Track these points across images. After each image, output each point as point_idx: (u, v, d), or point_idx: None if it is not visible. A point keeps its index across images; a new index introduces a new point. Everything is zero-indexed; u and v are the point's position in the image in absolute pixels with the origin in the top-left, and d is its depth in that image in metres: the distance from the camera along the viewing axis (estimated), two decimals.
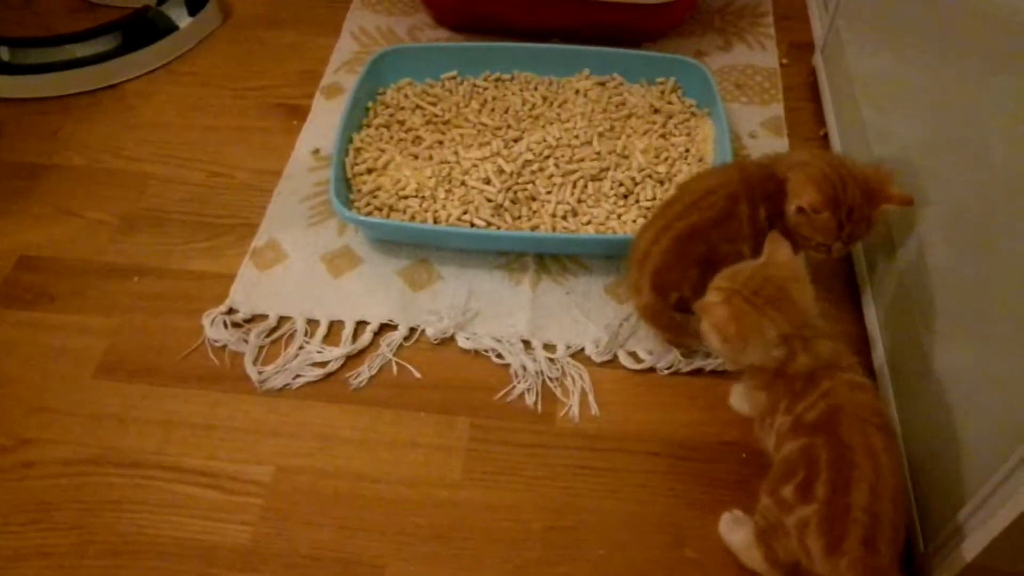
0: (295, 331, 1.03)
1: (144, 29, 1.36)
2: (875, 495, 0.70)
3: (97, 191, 1.20)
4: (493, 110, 1.25)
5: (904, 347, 0.92)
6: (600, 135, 1.20)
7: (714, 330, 0.77)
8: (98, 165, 1.23)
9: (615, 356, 1.01)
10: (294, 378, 1.00)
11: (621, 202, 1.13)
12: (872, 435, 0.73)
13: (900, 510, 0.72)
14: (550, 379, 1.00)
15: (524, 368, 1.00)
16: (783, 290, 0.75)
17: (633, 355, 1.01)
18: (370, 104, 1.25)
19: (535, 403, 0.98)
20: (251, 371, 1.00)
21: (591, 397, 0.98)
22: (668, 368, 1.00)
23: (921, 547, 0.81)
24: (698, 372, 1.00)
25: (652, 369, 1.00)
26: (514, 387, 0.99)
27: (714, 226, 0.92)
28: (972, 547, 0.72)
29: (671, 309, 0.96)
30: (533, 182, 1.15)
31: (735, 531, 0.85)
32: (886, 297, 0.99)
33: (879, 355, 0.98)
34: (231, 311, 1.05)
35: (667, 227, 0.93)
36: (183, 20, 1.39)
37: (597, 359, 1.01)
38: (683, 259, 0.93)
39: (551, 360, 1.01)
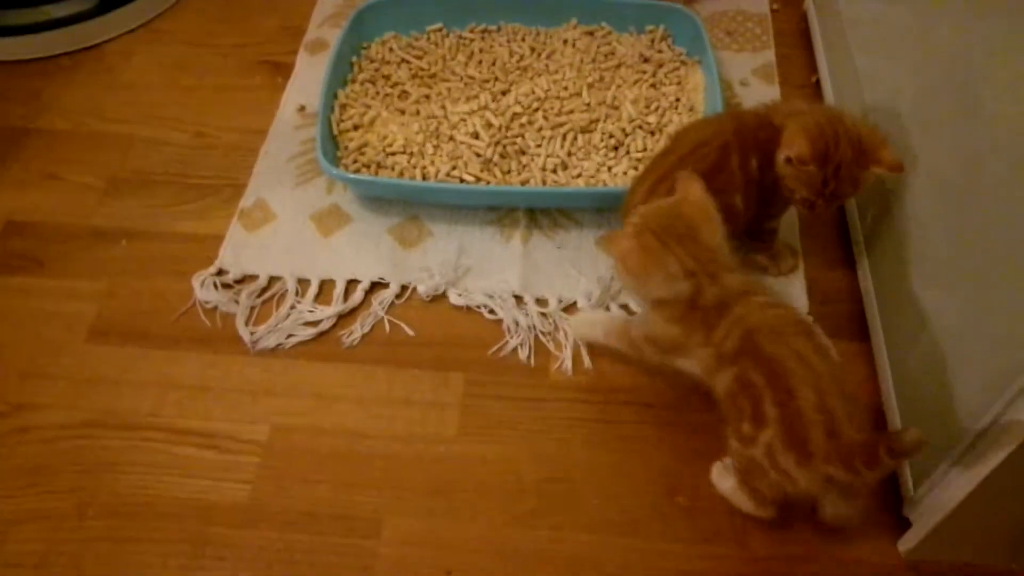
0: (286, 291, 1.03)
1: None
2: (820, 392, 0.72)
3: (81, 155, 1.18)
4: (480, 62, 1.23)
5: (895, 297, 0.92)
6: (589, 86, 1.19)
7: (619, 262, 0.80)
8: (82, 128, 1.22)
9: (607, 309, 1.01)
10: (287, 337, 1.00)
11: (611, 154, 1.12)
12: (795, 342, 0.75)
13: (849, 398, 0.74)
14: (543, 333, 1.00)
15: (516, 323, 1.00)
16: (691, 228, 0.77)
17: (625, 307, 1.01)
18: (354, 59, 1.23)
19: (528, 358, 0.98)
20: (243, 332, 0.99)
21: (584, 350, 0.98)
22: None
23: (911, 491, 0.82)
24: None
25: None
26: (507, 342, 0.99)
27: (707, 177, 0.91)
28: (960, 490, 0.73)
29: None
30: (522, 135, 1.13)
31: (725, 479, 0.86)
32: (877, 246, 0.99)
33: (871, 305, 0.98)
34: (221, 272, 1.05)
35: (663, 178, 0.92)
36: None
37: (590, 311, 1.01)
38: None
39: (543, 315, 1.01)
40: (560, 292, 1.03)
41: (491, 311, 1.02)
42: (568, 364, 0.97)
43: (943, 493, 0.76)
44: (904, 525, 0.83)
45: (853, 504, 0.79)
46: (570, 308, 1.02)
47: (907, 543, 0.83)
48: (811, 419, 0.71)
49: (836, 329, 0.99)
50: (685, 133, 0.97)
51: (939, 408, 0.79)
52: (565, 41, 1.25)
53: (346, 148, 1.13)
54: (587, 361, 0.98)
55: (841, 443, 0.70)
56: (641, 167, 1.10)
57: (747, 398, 0.75)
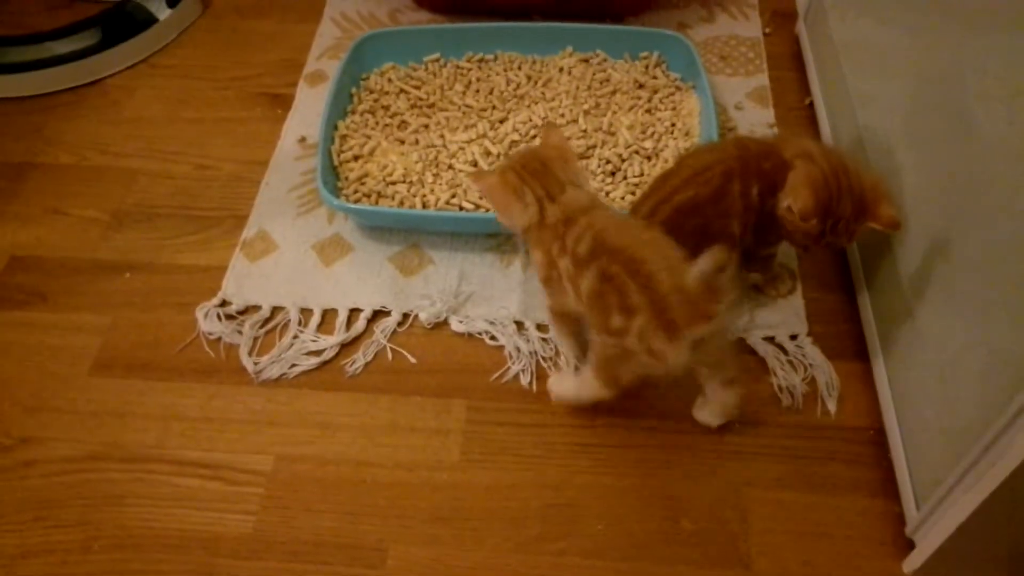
0: (289, 321, 1.04)
1: (123, 23, 1.35)
2: (674, 272, 0.79)
3: (85, 189, 1.20)
4: (478, 91, 1.25)
5: (893, 313, 0.93)
6: (586, 113, 1.20)
7: (487, 195, 0.93)
8: (85, 162, 1.23)
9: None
10: (290, 367, 1.00)
11: (609, 179, 1.13)
12: (640, 232, 0.84)
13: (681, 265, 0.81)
14: (544, 359, 1.00)
15: (518, 349, 1.01)
16: (545, 164, 0.88)
17: None
18: (354, 90, 1.25)
19: (530, 383, 0.99)
20: (247, 362, 1.00)
21: None
22: None
23: (915, 510, 0.82)
24: None
25: None
26: (509, 368, 1.00)
27: (709, 202, 0.92)
28: (963, 510, 0.73)
29: None
30: None
31: (564, 382, 0.94)
32: (875, 267, 1.00)
33: (870, 326, 0.98)
34: (224, 303, 1.06)
35: (665, 200, 0.94)
36: (162, 12, 1.38)
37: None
38: (679, 232, 0.94)
39: (544, 340, 1.02)
40: None
41: (492, 337, 1.02)
42: None
43: (947, 513, 0.76)
44: (909, 546, 0.83)
45: (732, 391, 0.90)
46: None
47: (912, 564, 0.83)
48: (673, 300, 0.78)
49: (835, 350, 1.00)
50: (689, 157, 0.98)
51: (940, 428, 0.80)
52: (561, 69, 1.27)
53: (347, 178, 1.14)
54: None
55: (699, 312, 0.78)
56: (639, 192, 1.11)
57: (613, 291, 0.81)
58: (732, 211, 0.92)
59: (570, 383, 0.94)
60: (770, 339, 1.01)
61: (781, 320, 1.02)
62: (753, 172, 0.92)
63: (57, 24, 1.42)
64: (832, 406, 0.96)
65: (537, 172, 0.87)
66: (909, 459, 0.86)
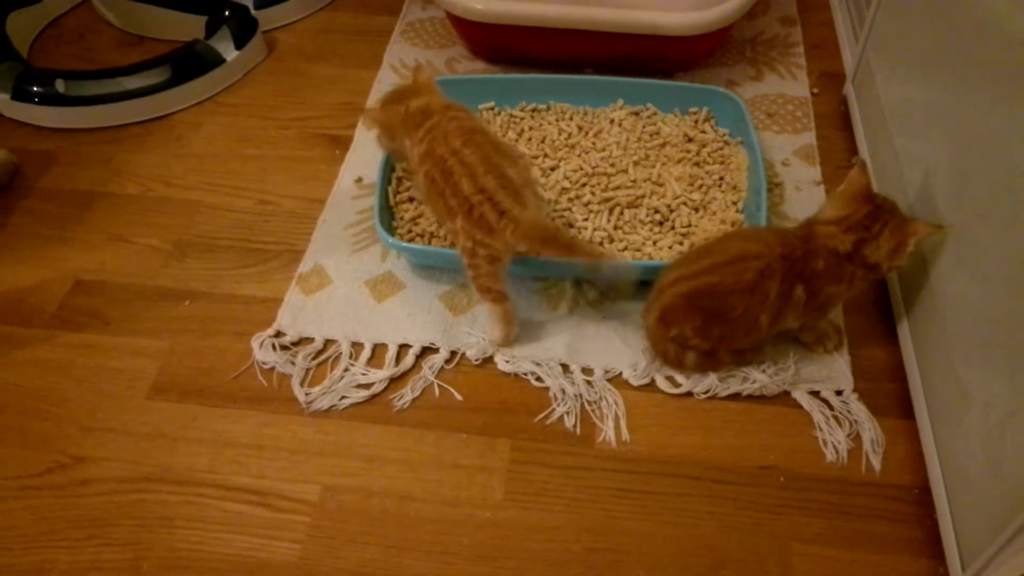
0: (340, 354, 1.06)
1: (193, 62, 1.41)
2: (474, 178, 0.96)
3: (149, 218, 1.24)
4: (530, 139, 1.29)
5: (939, 373, 0.93)
6: (635, 163, 1.23)
7: (376, 126, 1.09)
8: (150, 193, 1.28)
9: (652, 380, 1.03)
10: (340, 399, 1.02)
11: (657, 229, 1.15)
12: (454, 142, 0.98)
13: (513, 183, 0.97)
14: (588, 402, 1.02)
15: (563, 391, 1.02)
16: (416, 91, 1.07)
17: (670, 379, 1.03)
18: None
19: (574, 426, 1.00)
20: (298, 393, 1.03)
21: (624, 422, 1.00)
22: (705, 392, 1.01)
23: (960, 572, 0.82)
24: (735, 397, 1.01)
25: (690, 393, 1.02)
26: (553, 410, 1.01)
27: (735, 292, 0.93)
28: (1012, 571, 0.73)
29: (669, 340, 1.00)
30: (570, 209, 1.17)
31: (490, 332, 1.06)
32: (920, 324, 1.00)
33: (915, 383, 0.98)
34: (279, 334, 1.09)
35: (691, 276, 0.95)
36: (230, 53, 1.44)
37: (635, 382, 1.03)
38: (692, 308, 0.97)
39: (589, 383, 1.03)
40: (606, 362, 1.05)
41: (538, 378, 1.04)
42: (611, 435, 0.99)
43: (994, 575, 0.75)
44: None
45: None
46: (615, 378, 1.04)
47: None
48: (476, 200, 0.95)
49: (880, 407, 1.00)
50: (729, 240, 0.98)
51: (987, 488, 0.79)
52: (611, 120, 1.31)
53: (402, 218, 1.17)
54: (625, 434, 0.99)
55: (509, 218, 0.94)
56: (687, 242, 1.13)
57: (438, 195, 0.98)
58: (763, 307, 0.93)
59: (497, 332, 1.06)
60: (815, 394, 1.01)
61: (827, 375, 1.03)
62: (799, 274, 0.93)
63: (127, 60, 1.49)
64: (877, 463, 0.96)
65: (409, 94, 1.07)
66: (955, 520, 0.86)
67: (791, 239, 0.94)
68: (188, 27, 1.49)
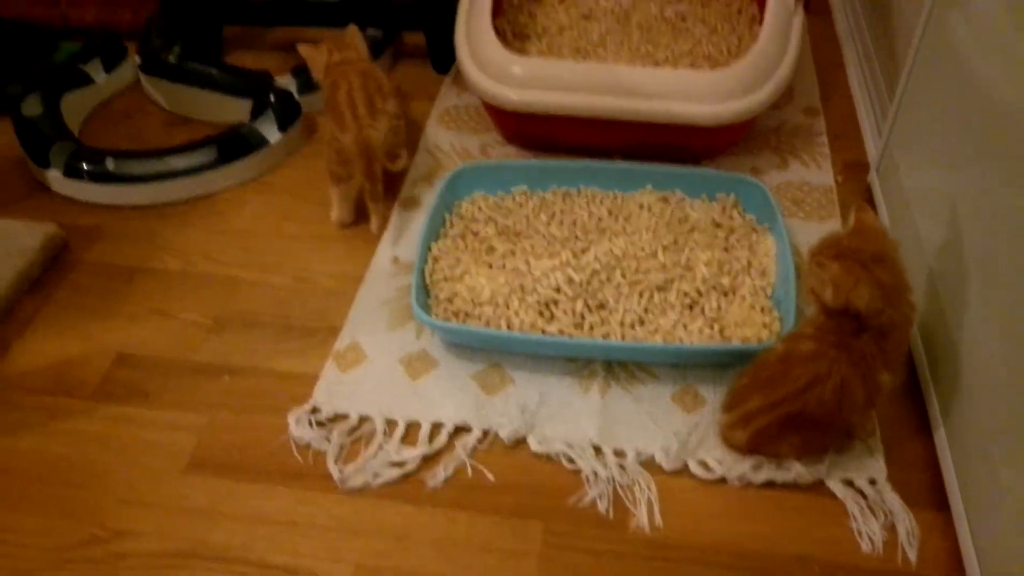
0: (375, 431, 1.08)
1: (238, 144, 1.47)
2: (357, 88, 1.33)
3: (190, 293, 1.28)
4: (561, 223, 1.32)
5: (974, 465, 0.93)
6: (664, 247, 1.26)
7: (308, 59, 1.42)
8: (191, 269, 1.32)
9: (685, 464, 1.04)
10: (373, 477, 1.03)
11: (687, 312, 1.17)
12: (353, 79, 1.34)
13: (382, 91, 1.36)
14: (621, 486, 1.02)
15: (595, 474, 1.03)
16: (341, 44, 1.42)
17: (703, 464, 1.03)
18: (447, 216, 1.33)
19: (607, 510, 1.00)
20: (333, 470, 1.04)
21: (657, 507, 1.00)
22: (739, 479, 1.01)
23: None
24: (770, 484, 1.01)
25: (723, 479, 1.02)
26: (586, 493, 1.01)
27: (824, 412, 0.96)
28: None
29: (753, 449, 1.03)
30: (601, 291, 1.20)
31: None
32: (953, 414, 1.01)
33: (949, 474, 0.98)
34: (315, 410, 1.10)
35: (777, 404, 0.97)
36: (274, 136, 1.50)
37: (667, 467, 1.03)
38: (786, 430, 0.99)
39: (621, 467, 1.04)
40: (638, 445, 1.05)
41: (570, 460, 1.05)
42: (644, 520, 0.99)
43: None
44: None
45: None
46: (648, 461, 1.04)
47: None
48: (345, 108, 1.31)
49: (915, 498, 1.00)
50: (792, 364, 0.97)
51: None
52: (641, 205, 1.34)
53: (437, 297, 1.20)
54: (659, 519, 0.99)
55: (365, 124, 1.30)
56: (716, 326, 1.15)
57: (328, 105, 1.37)
58: (855, 408, 0.97)
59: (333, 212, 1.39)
60: (849, 483, 1.01)
61: (860, 464, 1.03)
62: (871, 365, 0.94)
63: (173, 141, 1.55)
64: (913, 556, 0.95)
65: (340, 45, 1.41)
66: None
67: (850, 341, 0.94)
68: (234, 110, 1.56)
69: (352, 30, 1.44)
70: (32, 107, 1.53)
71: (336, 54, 1.39)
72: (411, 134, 1.57)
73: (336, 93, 1.33)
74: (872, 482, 1.01)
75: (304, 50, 1.41)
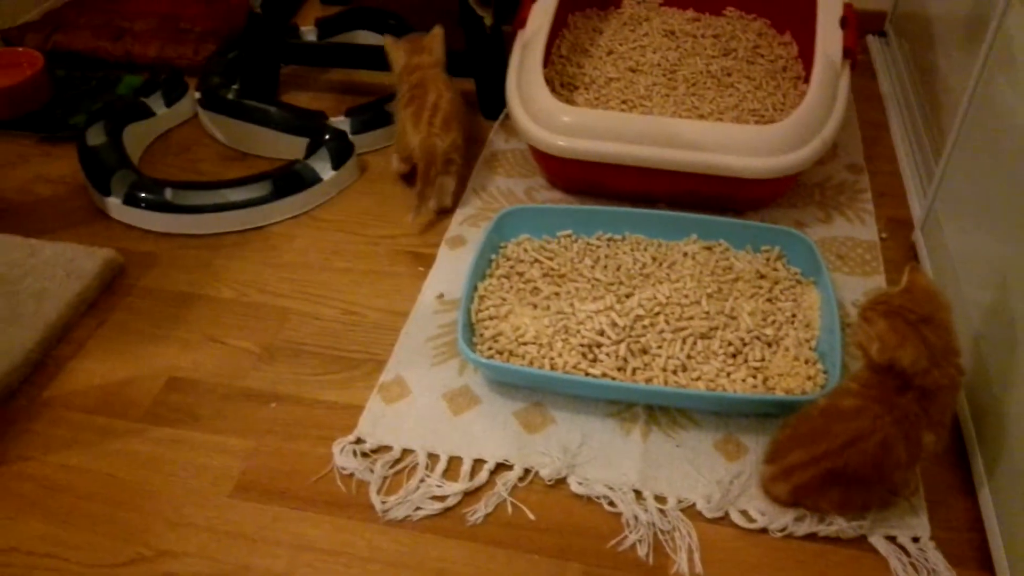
0: (417, 464, 1.09)
1: (293, 180, 1.52)
2: (434, 110, 1.48)
3: (241, 321, 1.31)
4: (606, 267, 1.34)
5: (1019, 529, 0.92)
6: (708, 296, 1.27)
7: (389, 50, 1.59)
8: (244, 298, 1.35)
9: (727, 513, 1.03)
10: (415, 510, 1.04)
11: (730, 361, 1.18)
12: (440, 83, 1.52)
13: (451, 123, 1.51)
14: (662, 531, 1.02)
15: (636, 518, 1.03)
16: (420, 47, 1.58)
17: (745, 514, 1.03)
18: (493, 256, 1.36)
19: (647, 555, 1.00)
20: (375, 500, 1.05)
21: (697, 555, 0.99)
22: (781, 530, 1.01)
23: None
24: (812, 536, 1.01)
25: (765, 530, 1.01)
26: (626, 536, 1.01)
27: (866, 468, 0.96)
28: None
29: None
30: (644, 336, 1.21)
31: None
32: (997, 475, 1.00)
33: (994, 535, 0.97)
34: (359, 441, 1.12)
35: (818, 459, 0.97)
36: (327, 173, 1.55)
37: (709, 515, 1.03)
38: (827, 485, 0.99)
39: (662, 512, 1.04)
40: (679, 491, 1.06)
41: (611, 503, 1.05)
42: (684, 568, 0.98)
43: None
44: None
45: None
46: (689, 508, 1.04)
47: None
48: (425, 119, 1.47)
49: (959, 557, 0.99)
50: (835, 419, 0.98)
51: None
52: (685, 254, 1.36)
53: (482, 335, 1.22)
54: (699, 567, 0.98)
55: (428, 140, 1.47)
56: (760, 375, 1.15)
57: (409, 99, 1.50)
58: (897, 467, 0.96)
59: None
60: (892, 539, 1.00)
61: (903, 522, 1.02)
62: (914, 425, 0.94)
63: (228, 174, 1.61)
64: None
65: (418, 48, 1.56)
66: None
67: (895, 399, 0.94)
68: (289, 147, 1.61)
69: (436, 32, 1.57)
70: (96, 137, 1.60)
71: (414, 57, 1.54)
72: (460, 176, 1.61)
73: (425, 95, 1.48)
74: (915, 540, 1.00)
75: (388, 42, 1.57)
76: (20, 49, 1.88)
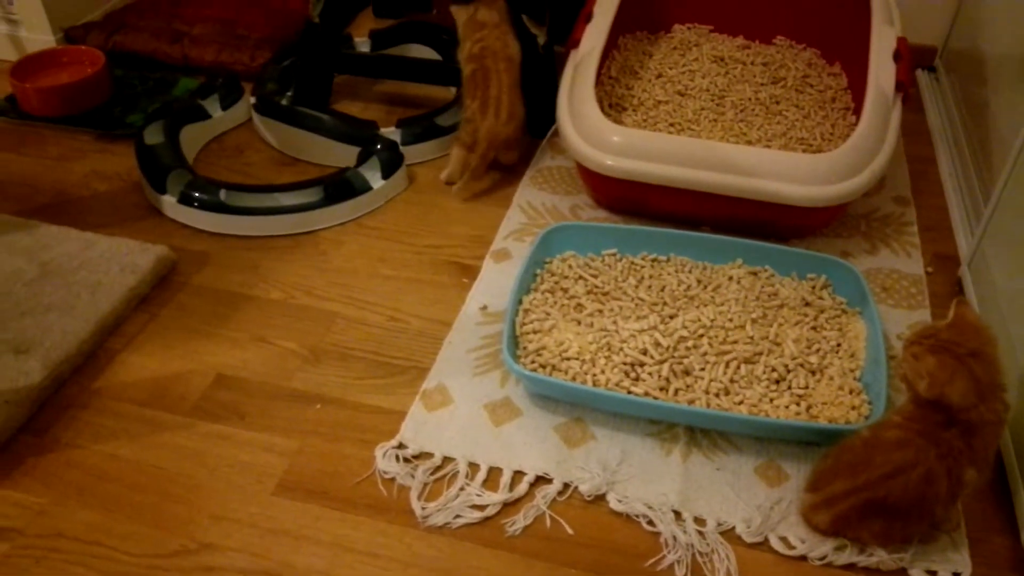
0: (457, 472, 1.10)
1: (343, 187, 1.54)
2: (500, 91, 1.56)
3: (289, 323, 1.34)
4: (650, 287, 1.35)
5: None
6: (753, 321, 1.27)
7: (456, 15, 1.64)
8: (292, 300, 1.38)
9: (766, 539, 1.03)
10: (454, 517, 1.05)
11: (774, 387, 1.18)
12: (499, 64, 1.57)
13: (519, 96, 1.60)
14: (700, 553, 1.02)
15: (675, 539, 1.03)
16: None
17: (785, 540, 1.03)
18: (538, 271, 1.37)
19: (685, 575, 1.00)
20: (415, 506, 1.06)
21: None
22: (821, 559, 1.00)
23: None
24: (851, 567, 1.00)
25: (804, 557, 1.01)
26: (664, 556, 1.02)
27: (907, 501, 0.96)
28: None
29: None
30: (688, 357, 1.21)
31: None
32: None
33: None
34: (401, 446, 1.13)
35: (859, 489, 0.98)
36: (376, 182, 1.58)
37: (748, 539, 1.03)
38: (868, 516, 0.99)
39: (701, 534, 1.04)
40: (719, 514, 1.05)
41: (650, 522, 1.05)
42: None
43: None
44: None
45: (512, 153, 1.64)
46: (728, 532, 1.04)
47: None
48: (492, 102, 1.55)
49: None
50: (877, 450, 0.98)
51: None
52: (730, 278, 1.36)
53: (525, 348, 1.23)
54: None
55: (508, 121, 1.58)
56: (803, 402, 1.15)
57: (474, 85, 1.56)
58: (938, 501, 0.96)
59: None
60: (932, 573, 1.00)
61: (944, 557, 1.01)
62: (957, 460, 0.94)
63: (280, 178, 1.64)
64: None
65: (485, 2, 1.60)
66: None
67: (940, 434, 0.94)
68: (341, 155, 1.64)
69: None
70: (154, 136, 1.64)
71: (480, 10, 1.60)
72: (504, 189, 1.63)
73: (489, 84, 1.57)
74: (956, 575, 0.99)
75: (454, 9, 1.64)
76: (83, 48, 1.94)
